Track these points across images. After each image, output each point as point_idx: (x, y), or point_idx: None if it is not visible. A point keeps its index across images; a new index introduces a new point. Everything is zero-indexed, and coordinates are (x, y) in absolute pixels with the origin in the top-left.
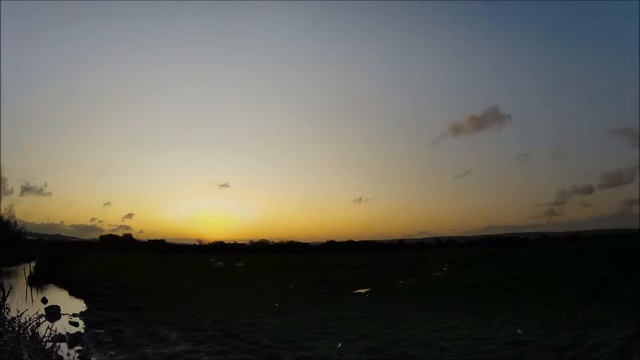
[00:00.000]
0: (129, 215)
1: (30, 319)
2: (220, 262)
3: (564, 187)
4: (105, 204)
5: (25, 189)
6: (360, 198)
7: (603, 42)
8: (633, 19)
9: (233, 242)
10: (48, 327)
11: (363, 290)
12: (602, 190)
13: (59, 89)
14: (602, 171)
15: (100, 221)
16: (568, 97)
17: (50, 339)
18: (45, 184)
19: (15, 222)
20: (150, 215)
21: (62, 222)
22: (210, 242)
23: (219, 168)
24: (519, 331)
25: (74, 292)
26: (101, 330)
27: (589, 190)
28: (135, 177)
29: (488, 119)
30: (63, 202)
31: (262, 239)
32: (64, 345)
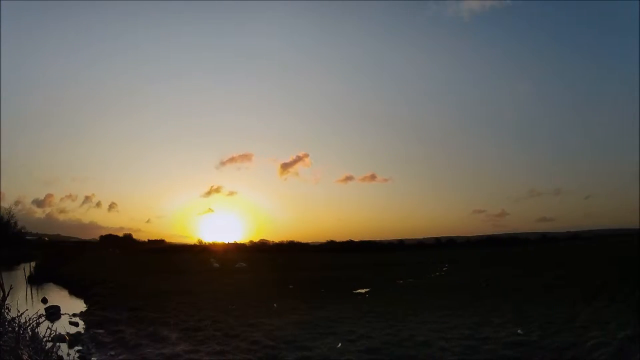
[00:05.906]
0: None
1: (30, 319)
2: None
3: None
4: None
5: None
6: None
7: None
8: None
9: (233, 243)
10: (48, 327)
11: (363, 290)
12: None
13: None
14: None
15: None
16: None
17: (50, 339)
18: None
19: (16, 222)
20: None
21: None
22: (210, 242)
23: (219, 168)
24: (519, 331)
25: (74, 292)
26: (101, 330)
27: None
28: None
29: None
30: None
31: (262, 239)
32: (64, 345)
